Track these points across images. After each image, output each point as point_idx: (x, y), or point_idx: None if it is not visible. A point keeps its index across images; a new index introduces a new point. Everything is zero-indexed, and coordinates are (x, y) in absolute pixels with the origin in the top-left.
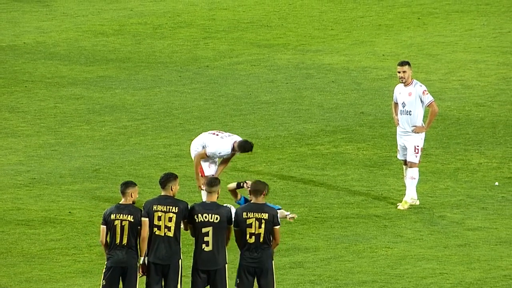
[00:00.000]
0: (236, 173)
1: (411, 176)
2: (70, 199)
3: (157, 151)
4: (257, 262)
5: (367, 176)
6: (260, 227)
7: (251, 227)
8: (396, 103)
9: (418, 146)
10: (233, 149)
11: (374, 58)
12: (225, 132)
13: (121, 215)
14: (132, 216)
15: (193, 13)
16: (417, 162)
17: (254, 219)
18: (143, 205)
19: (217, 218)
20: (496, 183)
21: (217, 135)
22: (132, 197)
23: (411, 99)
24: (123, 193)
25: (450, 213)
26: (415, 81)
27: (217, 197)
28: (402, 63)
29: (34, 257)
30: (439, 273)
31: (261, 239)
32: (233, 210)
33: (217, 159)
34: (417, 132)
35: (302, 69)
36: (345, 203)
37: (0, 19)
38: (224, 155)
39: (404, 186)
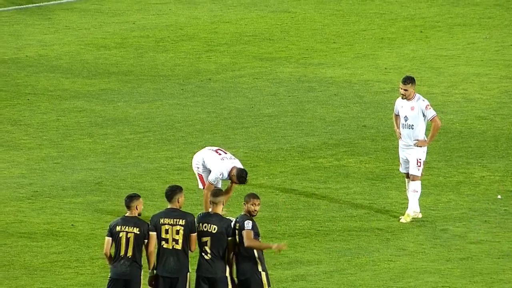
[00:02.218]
0: (237, 186)
1: (414, 189)
2: (73, 212)
3: (159, 164)
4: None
5: (370, 189)
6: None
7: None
8: (397, 116)
9: (420, 159)
10: (229, 174)
11: (376, 71)
12: (228, 153)
13: (127, 227)
14: (138, 229)
15: (195, 26)
16: (419, 175)
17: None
18: (150, 219)
19: (215, 229)
20: (499, 196)
21: (220, 154)
22: (137, 209)
23: (414, 113)
24: (128, 206)
25: (452, 226)
26: (417, 95)
27: (222, 208)
28: (405, 81)
29: (37, 269)
30: (441, 286)
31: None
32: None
33: (217, 179)
34: (419, 146)
35: (304, 82)
36: (348, 216)
37: (2, 32)
38: (223, 178)
39: (407, 199)
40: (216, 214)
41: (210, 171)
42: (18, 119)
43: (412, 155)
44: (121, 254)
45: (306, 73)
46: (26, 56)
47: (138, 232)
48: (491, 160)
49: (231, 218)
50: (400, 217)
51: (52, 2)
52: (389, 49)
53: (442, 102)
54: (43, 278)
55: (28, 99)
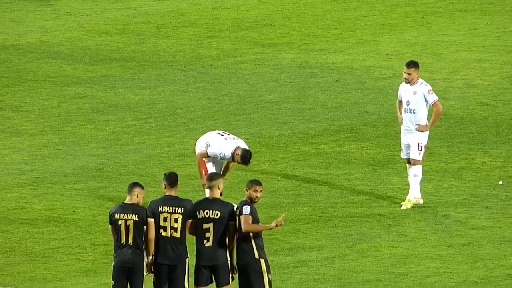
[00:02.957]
0: (240, 172)
1: (414, 174)
2: (74, 198)
3: (161, 150)
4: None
5: (371, 175)
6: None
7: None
8: (401, 101)
9: (421, 143)
10: (233, 154)
11: (377, 57)
12: (231, 134)
13: (125, 214)
14: (136, 215)
15: (196, 12)
16: (420, 159)
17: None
18: (148, 205)
19: (217, 215)
20: (500, 182)
21: (222, 135)
22: (137, 197)
23: (416, 97)
24: (129, 191)
25: (454, 212)
26: (420, 80)
27: (221, 193)
28: (409, 65)
29: (38, 256)
30: (443, 272)
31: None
32: (247, 209)
33: (219, 159)
34: (421, 131)
35: (305, 68)
36: (349, 202)
37: (3, 18)
38: (225, 157)
39: (408, 185)
40: (216, 199)
41: (215, 157)
42: (19, 106)
43: (413, 139)
44: (122, 242)
45: (307, 59)
46: (28, 42)
47: (137, 219)
48: (492, 146)
49: (233, 205)
50: (401, 204)
51: None
52: (390, 35)
53: (444, 88)
54: (45, 264)
55: (30, 86)
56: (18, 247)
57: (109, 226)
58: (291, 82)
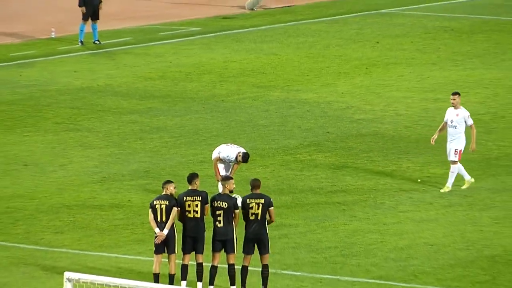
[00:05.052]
0: (242, 173)
1: (452, 171)
2: (129, 191)
3: (188, 159)
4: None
5: (331, 175)
6: (258, 208)
7: (252, 209)
8: (446, 123)
9: (457, 149)
10: (237, 157)
11: (336, 95)
12: (235, 144)
13: (160, 200)
14: (167, 201)
15: (212, 64)
16: (457, 160)
17: (254, 203)
18: (177, 196)
19: (225, 205)
20: (419, 180)
21: (228, 145)
22: (168, 190)
23: (459, 118)
24: (162, 187)
25: (388, 200)
26: (462, 107)
27: (231, 190)
28: (454, 93)
29: (105, 231)
30: (380, 241)
31: (260, 216)
32: (239, 200)
33: (230, 164)
34: (473, 150)
35: (287, 102)
36: (317, 194)
37: (82, 68)
38: (231, 159)
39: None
40: (226, 194)
41: (224, 160)
42: (92, 128)
43: (453, 146)
44: (158, 220)
45: (288, 96)
46: (98, 84)
47: (168, 204)
48: (414, 156)
49: (238, 196)
50: (440, 189)
51: (115, 48)
52: (344, 80)
53: (381, 116)
54: (109, 236)
55: (99, 114)
56: (91, 224)
57: (149, 210)
58: (276, 112)
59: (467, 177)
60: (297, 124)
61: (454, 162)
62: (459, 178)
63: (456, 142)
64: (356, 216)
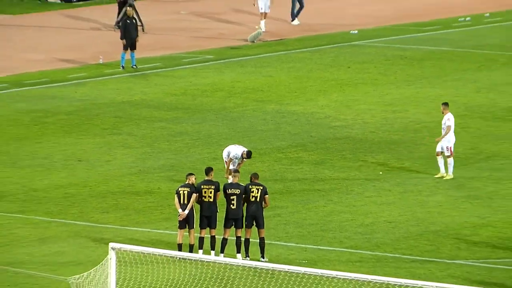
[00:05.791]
0: (245, 167)
1: (449, 163)
2: (159, 181)
3: (204, 156)
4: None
5: (314, 169)
6: (257, 192)
7: (253, 193)
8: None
9: (448, 146)
10: (242, 154)
11: (317, 107)
12: (240, 145)
13: (183, 188)
14: (189, 189)
15: (222, 84)
16: (450, 154)
17: (254, 188)
18: (197, 184)
19: (238, 191)
20: (380, 172)
21: (235, 145)
22: (190, 180)
23: (445, 121)
24: (186, 178)
25: (356, 188)
26: (449, 113)
27: (238, 179)
28: (443, 103)
29: (140, 211)
30: (350, 219)
31: (258, 199)
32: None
33: (236, 161)
34: (438, 140)
35: (280, 113)
36: (302, 183)
37: (123, 87)
38: (238, 156)
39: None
40: (236, 183)
41: (233, 158)
42: (130, 132)
43: (444, 144)
44: (181, 203)
45: (280, 108)
46: (135, 99)
47: (189, 190)
48: (377, 154)
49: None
50: (444, 177)
51: (148, 71)
52: (324, 96)
53: (351, 124)
54: (144, 215)
55: (136, 122)
56: (130, 206)
57: (175, 195)
58: (271, 120)
59: (442, 170)
60: (287, 130)
61: (449, 156)
62: (434, 170)
63: (446, 141)
64: (332, 200)
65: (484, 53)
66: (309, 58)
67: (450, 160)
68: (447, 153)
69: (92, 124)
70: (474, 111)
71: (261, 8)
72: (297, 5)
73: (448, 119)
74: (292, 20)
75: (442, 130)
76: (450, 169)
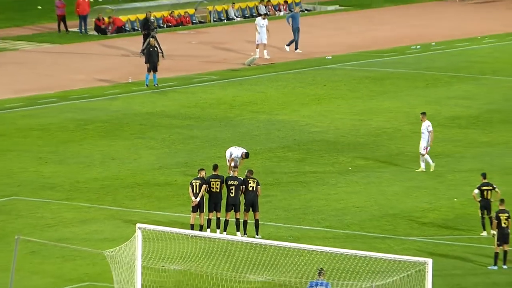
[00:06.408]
0: (244, 163)
1: (426, 160)
2: (175, 175)
3: (211, 155)
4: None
5: (297, 165)
6: (254, 183)
7: (250, 184)
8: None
9: (424, 146)
10: (242, 155)
11: (300, 116)
12: (240, 147)
13: (196, 180)
14: (200, 181)
15: (225, 98)
16: (425, 153)
17: (251, 181)
18: (206, 177)
19: (236, 182)
20: (350, 168)
21: (236, 147)
22: (201, 174)
23: (423, 128)
24: (198, 172)
25: (330, 180)
26: (427, 120)
27: (237, 173)
28: (422, 113)
29: (161, 198)
30: (326, 205)
31: (254, 189)
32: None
33: (237, 159)
34: (430, 146)
35: (270, 121)
36: (288, 176)
37: (147, 101)
38: (238, 156)
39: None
40: (235, 176)
41: (234, 158)
42: (153, 137)
43: (422, 144)
44: (194, 192)
45: (271, 117)
46: (156, 110)
47: (200, 182)
48: (347, 152)
49: (240, 178)
50: (431, 169)
51: (167, 89)
52: (305, 108)
53: (326, 130)
54: (164, 201)
55: (157, 129)
56: (153, 194)
57: (189, 186)
58: (264, 127)
59: (422, 165)
60: (276, 134)
61: (425, 154)
62: (415, 165)
63: (423, 142)
64: (312, 190)
65: (432, 74)
66: (293, 78)
67: (427, 157)
68: (422, 151)
69: (122, 130)
70: None
71: (257, 40)
72: (296, 36)
73: (428, 126)
74: (296, 49)
75: (422, 134)
76: (430, 161)
